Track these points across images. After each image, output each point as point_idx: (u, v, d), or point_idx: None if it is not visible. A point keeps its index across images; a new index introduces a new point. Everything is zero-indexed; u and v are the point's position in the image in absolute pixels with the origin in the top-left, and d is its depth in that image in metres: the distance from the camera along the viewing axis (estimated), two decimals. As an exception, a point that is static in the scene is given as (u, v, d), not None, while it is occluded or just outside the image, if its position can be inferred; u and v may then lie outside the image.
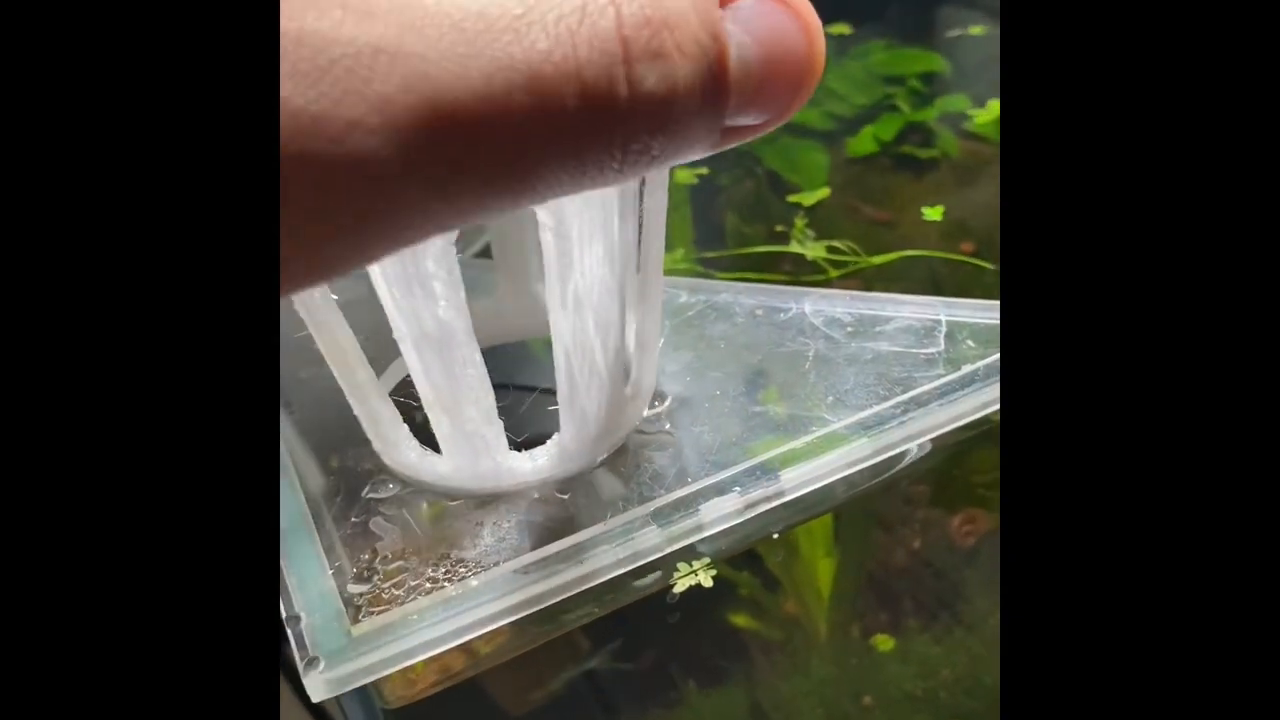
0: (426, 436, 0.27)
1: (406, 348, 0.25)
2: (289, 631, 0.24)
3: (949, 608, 0.42)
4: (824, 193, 0.43)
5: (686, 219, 0.45)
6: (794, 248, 0.40)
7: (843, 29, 0.58)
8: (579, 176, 0.16)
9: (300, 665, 0.24)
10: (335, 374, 0.27)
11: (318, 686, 0.23)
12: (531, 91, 0.14)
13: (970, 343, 0.29)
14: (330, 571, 0.26)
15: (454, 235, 0.22)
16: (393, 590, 0.25)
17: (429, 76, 0.14)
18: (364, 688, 0.25)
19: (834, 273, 0.38)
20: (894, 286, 0.38)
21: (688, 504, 0.26)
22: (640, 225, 0.25)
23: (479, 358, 0.25)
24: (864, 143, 0.49)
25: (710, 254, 0.40)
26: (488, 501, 0.27)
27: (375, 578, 0.25)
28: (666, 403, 0.29)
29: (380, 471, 0.28)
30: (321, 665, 0.23)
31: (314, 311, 0.26)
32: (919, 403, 0.28)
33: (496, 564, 0.26)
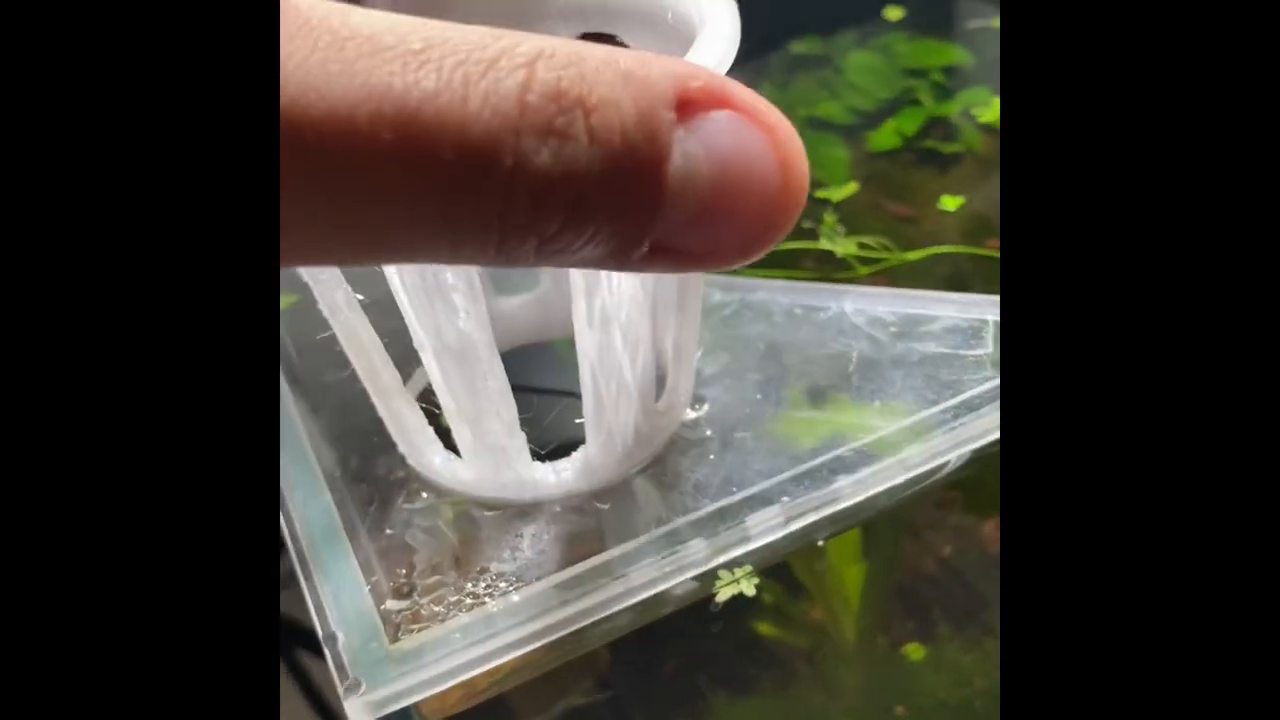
0: (454, 442, 0.26)
1: (427, 357, 0.24)
2: (326, 650, 0.23)
3: (980, 616, 0.41)
4: (852, 188, 0.42)
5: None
6: (824, 244, 0.39)
7: (896, 12, 0.57)
8: (453, 246, 0.14)
9: (340, 687, 0.23)
10: (361, 377, 0.26)
11: (358, 710, 0.22)
12: (400, 132, 0.13)
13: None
14: (367, 587, 0.25)
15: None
16: (432, 607, 0.24)
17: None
18: (402, 710, 0.24)
19: (863, 270, 0.38)
20: (921, 283, 0.37)
21: (733, 514, 0.25)
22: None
23: (500, 369, 0.24)
24: (886, 137, 0.48)
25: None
26: (526, 512, 0.26)
27: (414, 593, 0.24)
28: (705, 407, 0.28)
29: (413, 479, 0.27)
30: (362, 688, 0.22)
31: (337, 313, 0.25)
32: (970, 407, 0.27)
33: (538, 578, 0.25)
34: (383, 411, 0.27)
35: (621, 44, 0.25)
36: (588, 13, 0.26)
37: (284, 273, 0.17)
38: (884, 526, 0.42)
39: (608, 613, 0.24)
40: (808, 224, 0.41)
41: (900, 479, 0.26)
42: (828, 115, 0.50)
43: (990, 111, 0.49)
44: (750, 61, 0.22)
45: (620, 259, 0.15)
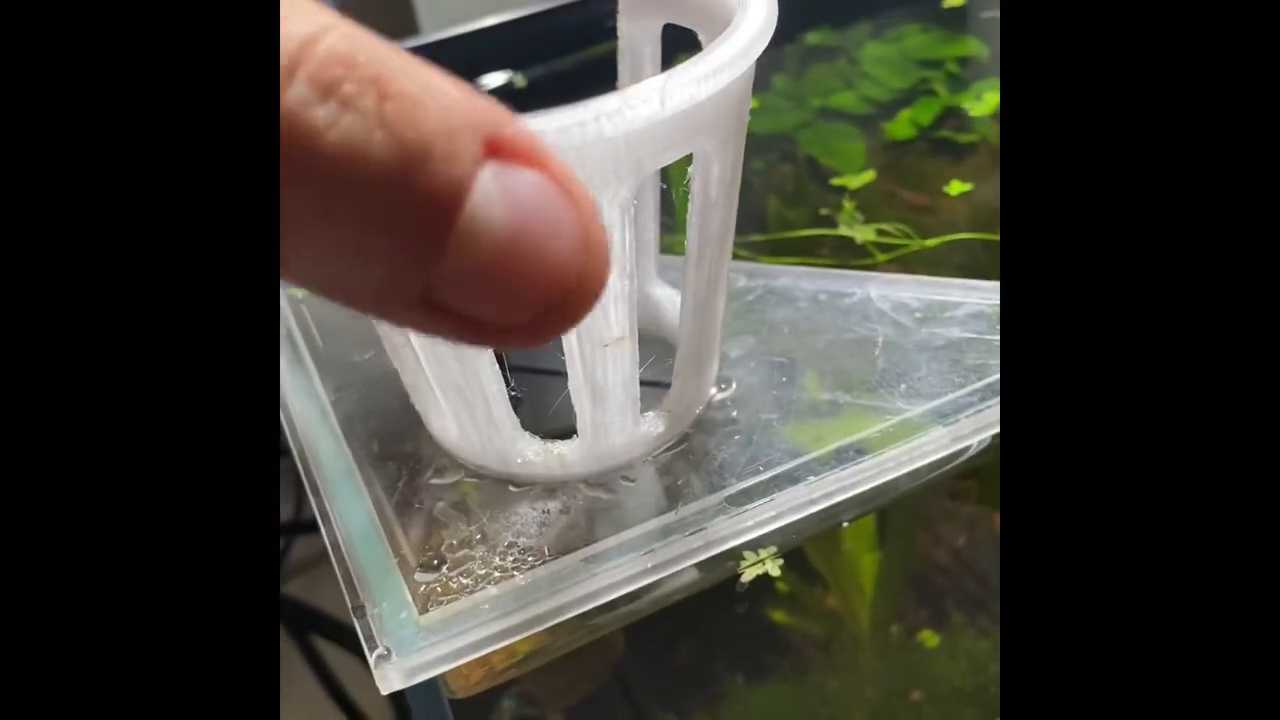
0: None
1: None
2: (355, 622, 0.24)
3: (993, 605, 0.42)
4: (869, 176, 0.42)
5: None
6: (842, 230, 0.39)
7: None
8: None
9: (370, 656, 0.23)
10: (387, 351, 0.26)
11: (388, 678, 0.23)
12: None
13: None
14: (395, 560, 0.25)
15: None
16: (460, 579, 0.24)
17: None
18: (430, 681, 0.24)
19: (882, 256, 0.38)
20: (937, 270, 0.37)
21: (760, 492, 0.26)
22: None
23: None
24: (901, 127, 0.48)
25: (756, 237, 0.40)
26: (554, 489, 0.26)
27: (442, 567, 0.25)
28: (732, 388, 0.29)
29: (440, 456, 0.28)
30: (391, 656, 0.23)
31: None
32: (995, 391, 0.27)
33: (564, 553, 0.25)
34: (410, 389, 0.27)
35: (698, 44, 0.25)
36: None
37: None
38: (899, 517, 0.42)
39: (634, 587, 0.24)
40: (826, 211, 0.41)
41: (924, 461, 0.26)
42: (843, 106, 0.50)
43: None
44: (765, 53, 0.22)
45: (386, 295, 0.13)
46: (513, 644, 0.24)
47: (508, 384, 0.25)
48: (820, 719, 0.39)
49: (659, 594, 0.27)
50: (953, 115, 0.49)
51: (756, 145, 0.48)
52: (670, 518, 0.25)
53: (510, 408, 0.25)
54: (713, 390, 0.28)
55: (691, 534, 0.25)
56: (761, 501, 0.25)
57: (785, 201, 0.44)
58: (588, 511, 0.26)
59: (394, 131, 0.12)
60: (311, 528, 0.63)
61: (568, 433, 0.26)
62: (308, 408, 0.29)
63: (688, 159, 0.23)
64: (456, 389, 0.25)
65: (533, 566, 0.24)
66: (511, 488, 0.26)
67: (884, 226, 0.39)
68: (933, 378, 0.28)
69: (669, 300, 0.31)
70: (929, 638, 0.41)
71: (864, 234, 0.38)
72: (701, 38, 0.26)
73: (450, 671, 0.25)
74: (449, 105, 0.12)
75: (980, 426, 0.27)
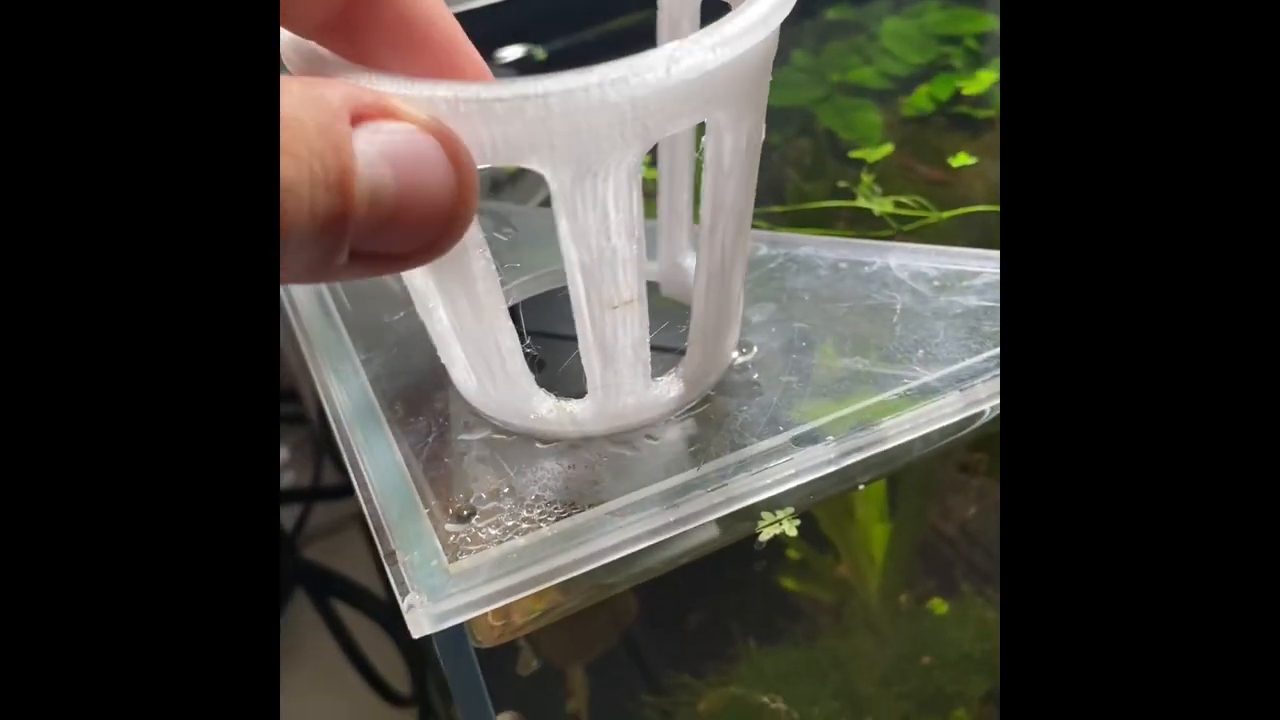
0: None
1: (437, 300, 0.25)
2: (387, 569, 0.24)
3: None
4: (888, 149, 0.43)
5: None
6: (861, 203, 0.39)
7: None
8: None
9: (402, 602, 0.24)
10: (416, 305, 0.27)
11: (419, 622, 0.23)
12: None
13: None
14: (426, 511, 0.25)
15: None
16: (489, 530, 0.25)
17: None
18: (458, 628, 0.25)
19: (900, 228, 0.38)
20: (954, 243, 0.38)
21: (780, 452, 0.26)
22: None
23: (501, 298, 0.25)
24: (919, 102, 0.48)
25: (775, 209, 0.40)
26: (579, 445, 0.27)
27: (471, 518, 0.25)
28: (754, 352, 0.29)
29: (467, 413, 0.28)
30: (422, 601, 0.23)
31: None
32: (1010, 357, 0.28)
33: (590, 506, 0.25)
34: (438, 345, 0.27)
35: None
36: None
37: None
38: (909, 488, 0.43)
39: (657, 540, 0.25)
40: (844, 184, 0.41)
41: (940, 424, 0.27)
42: (861, 80, 0.50)
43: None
44: (784, 28, 0.23)
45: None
46: (533, 597, 0.25)
47: (523, 341, 0.26)
48: (832, 681, 0.40)
49: (676, 553, 0.28)
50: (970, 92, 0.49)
51: (775, 119, 0.48)
52: (692, 474, 0.26)
53: (525, 364, 0.26)
54: (734, 355, 0.29)
55: (713, 490, 0.26)
56: (781, 461, 0.26)
57: (803, 174, 0.44)
58: (612, 468, 0.26)
59: (292, 154, 0.15)
60: (330, 494, 0.64)
61: (583, 395, 0.27)
62: (339, 365, 0.30)
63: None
64: (475, 343, 0.25)
65: (559, 519, 0.25)
66: (538, 444, 0.27)
67: (901, 199, 0.39)
68: (949, 344, 0.28)
69: None
70: (938, 605, 0.41)
71: (882, 206, 0.39)
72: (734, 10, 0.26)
73: (474, 622, 0.25)
74: (318, 104, 0.16)
75: (994, 392, 0.28)
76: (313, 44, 0.21)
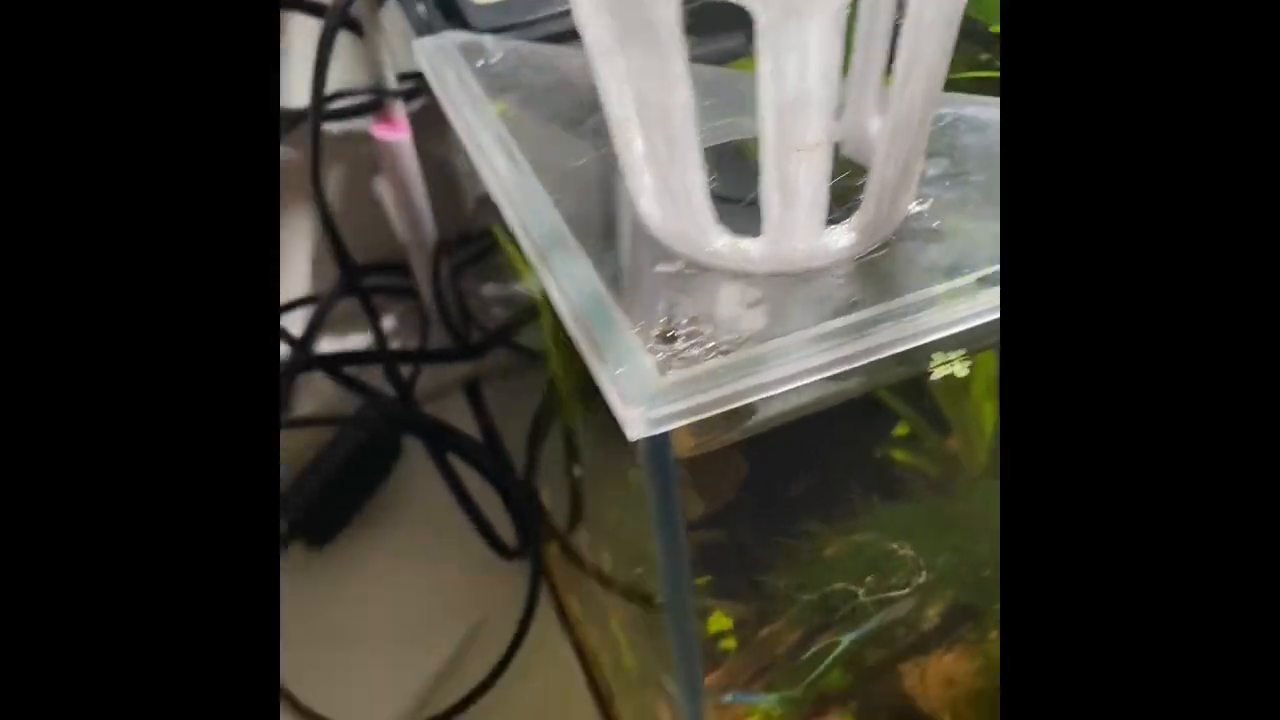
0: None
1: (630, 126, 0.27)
2: (602, 382, 0.26)
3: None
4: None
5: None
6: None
7: None
8: None
9: (620, 409, 0.26)
10: (613, 139, 0.28)
11: (637, 425, 0.25)
12: None
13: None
14: (635, 331, 0.27)
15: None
16: (691, 351, 0.27)
17: None
18: (663, 436, 0.27)
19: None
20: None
21: (966, 293, 0.28)
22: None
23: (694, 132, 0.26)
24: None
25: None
26: (768, 280, 0.29)
27: (675, 340, 0.27)
28: (929, 203, 0.31)
29: (658, 247, 0.30)
30: (641, 407, 0.25)
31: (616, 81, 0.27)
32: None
33: (784, 334, 0.27)
34: (633, 176, 0.29)
35: None
36: None
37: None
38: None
39: (853, 365, 0.27)
40: (986, 56, 0.42)
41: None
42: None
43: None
44: None
45: None
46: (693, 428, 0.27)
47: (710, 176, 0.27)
48: (952, 538, 0.42)
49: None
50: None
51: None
52: (878, 310, 0.28)
53: (708, 197, 0.28)
54: (912, 205, 0.30)
55: (901, 321, 0.27)
56: (964, 300, 0.28)
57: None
58: (804, 301, 0.28)
59: None
60: (437, 358, 0.66)
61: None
62: (531, 198, 0.32)
63: None
64: (663, 173, 0.27)
65: (757, 344, 0.27)
66: (731, 279, 0.29)
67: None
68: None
69: None
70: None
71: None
72: None
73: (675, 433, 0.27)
74: None
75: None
76: None
